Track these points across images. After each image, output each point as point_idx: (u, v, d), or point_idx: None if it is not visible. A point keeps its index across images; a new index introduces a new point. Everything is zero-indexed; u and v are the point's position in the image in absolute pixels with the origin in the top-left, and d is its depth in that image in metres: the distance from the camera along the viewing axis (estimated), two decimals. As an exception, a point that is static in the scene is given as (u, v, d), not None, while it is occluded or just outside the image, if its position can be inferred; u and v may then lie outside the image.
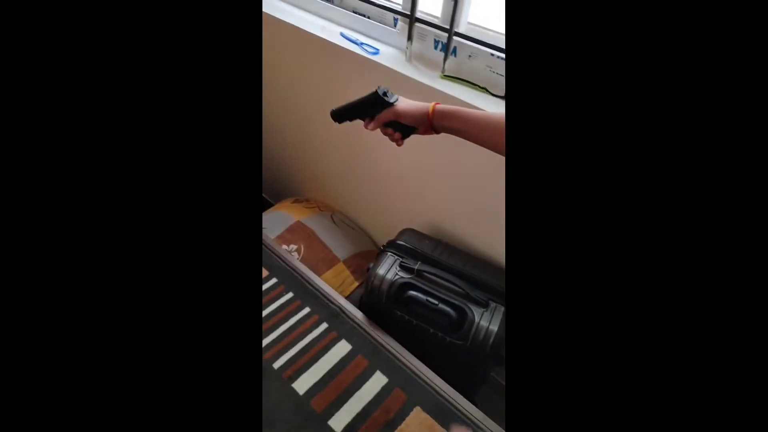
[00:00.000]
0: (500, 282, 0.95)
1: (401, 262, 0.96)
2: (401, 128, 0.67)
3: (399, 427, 0.82)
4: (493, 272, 0.98)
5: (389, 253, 0.99)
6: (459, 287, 0.91)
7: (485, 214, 1.03)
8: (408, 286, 0.93)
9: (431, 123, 0.64)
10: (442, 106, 0.63)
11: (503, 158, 0.41)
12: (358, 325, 0.98)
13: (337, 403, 0.84)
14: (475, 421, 0.84)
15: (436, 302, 0.91)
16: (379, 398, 0.86)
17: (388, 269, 0.95)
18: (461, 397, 0.87)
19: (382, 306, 0.92)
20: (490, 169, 0.95)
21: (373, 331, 0.96)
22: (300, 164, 1.51)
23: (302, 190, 1.58)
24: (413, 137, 0.68)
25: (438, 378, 0.89)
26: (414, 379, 0.89)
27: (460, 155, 0.99)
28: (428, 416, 0.84)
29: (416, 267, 0.93)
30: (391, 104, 0.66)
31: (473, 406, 0.86)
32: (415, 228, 1.11)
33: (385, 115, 0.67)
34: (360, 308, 1.01)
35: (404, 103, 0.67)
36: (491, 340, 0.87)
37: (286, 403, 0.84)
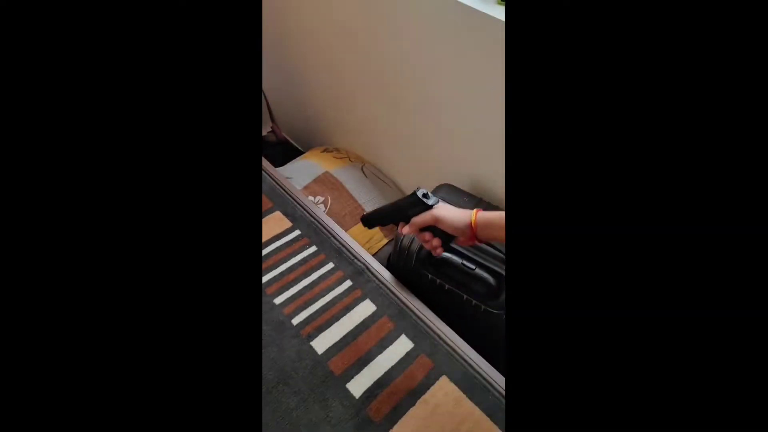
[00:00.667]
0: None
1: (435, 219, 0.86)
2: (441, 234, 0.62)
3: (423, 397, 0.75)
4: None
5: (423, 210, 0.89)
6: (499, 251, 0.81)
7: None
8: (442, 246, 0.83)
9: (474, 234, 0.58)
10: (484, 215, 0.58)
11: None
12: (385, 284, 0.90)
13: (357, 366, 0.78)
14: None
15: (473, 266, 0.81)
16: (402, 364, 0.79)
17: (421, 227, 0.86)
18: (494, 370, 0.79)
19: (411, 267, 0.83)
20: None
21: (401, 292, 0.88)
22: (331, 111, 1.41)
23: (332, 139, 1.49)
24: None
25: (469, 347, 0.81)
26: (442, 346, 0.82)
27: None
28: (456, 387, 0.77)
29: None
30: (430, 207, 0.61)
31: (505, 381, 0.78)
32: (454, 184, 1.00)
33: (422, 218, 0.62)
34: (387, 268, 0.93)
35: (444, 208, 0.62)
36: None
37: (303, 362, 0.78)
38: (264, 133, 1.66)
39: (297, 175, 1.29)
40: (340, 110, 1.36)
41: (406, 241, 0.85)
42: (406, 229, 0.64)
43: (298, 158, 1.38)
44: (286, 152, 1.62)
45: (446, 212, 0.60)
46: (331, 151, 1.39)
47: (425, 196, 0.62)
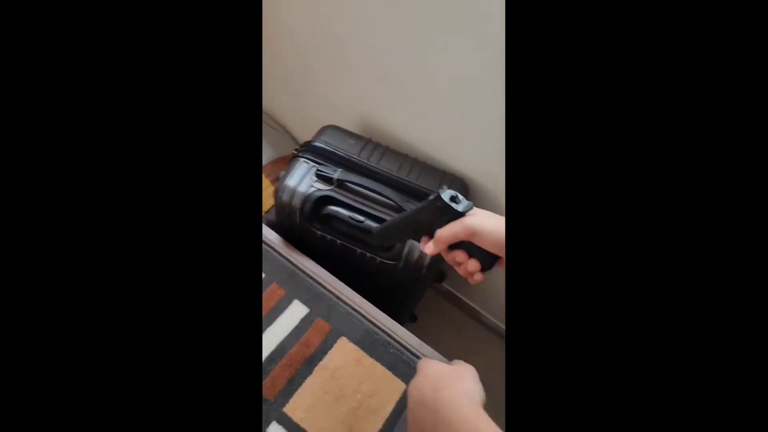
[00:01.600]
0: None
1: (318, 170, 0.77)
2: (478, 253, 0.44)
3: (321, 363, 0.71)
4: (431, 177, 0.81)
5: (302, 160, 0.79)
6: (389, 199, 0.75)
7: (428, 102, 0.82)
8: (326, 200, 0.74)
9: None
10: None
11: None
12: (271, 247, 0.81)
13: (245, 343, 0.71)
14: (410, 348, 0.74)
15: (361, 219, 0.74)
16: (298, 332, 0.73)
17: (301, 180, 0.76)
18: (393, 322, 0.76)
19: (297, 225, 0.74)
20: (440, 41, 0.72)
21: (290, 253, 0.80)
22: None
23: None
24: None
25: (367, 303, 0.77)
26: (338, 305, 0.76)
27: (407, 18, 0.74)
28: (355, 347, 0.73)
29: (336, 176, 0.74)
30: (462, 214, 0.44)
31: (408, 333, 0.75)
32: (340, 125, 0.89)
33: (451, 231, 0.44)
34: (273, 228, 0.83)
35: (482, 216, 0.44)
36: (428, 259, 0.74)
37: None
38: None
39: None
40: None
41: (285, 197, 0.75)
42: (429, 248, 0.47)
43: None
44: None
45: (485, 222, 0.43)
46: None
47: (453, 199, 0.44)
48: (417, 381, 0.46)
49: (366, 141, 0.85)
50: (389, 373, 0.71)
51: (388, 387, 0.70)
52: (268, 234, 0.82)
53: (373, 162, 0.80)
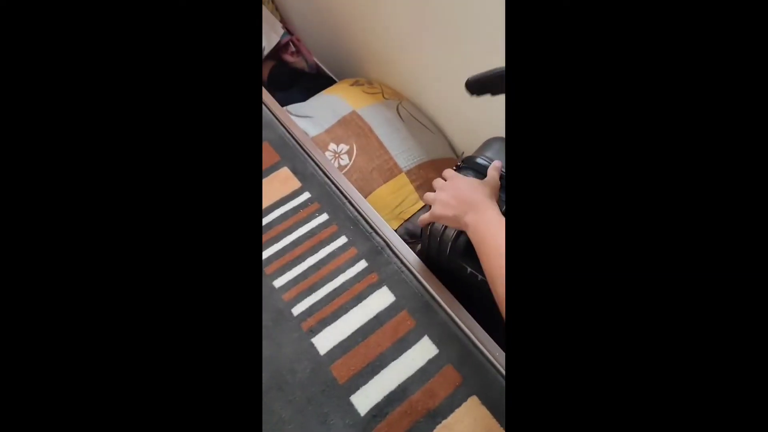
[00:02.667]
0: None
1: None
2: None
3: (444, 422, 0.60)
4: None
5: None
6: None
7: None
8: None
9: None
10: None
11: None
12: (408, 268, 0.72)
13: (365, 374, 0.63)
14: None
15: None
16: (422, 375, 0.63)
17: (456, 203, 0.64)
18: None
19: (446, 256, 0.64)
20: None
21: (428, 280, 0.70)
22: (363, 34, 1.14)
23: (366, 68, 1.24)
24: None
25: (509, 361, 0.63)
26: (475, 356, 0.64)
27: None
28: (488, 413, 0.60)
29: (503, 199, 0.61)
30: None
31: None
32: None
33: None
34: (413, 247, 0.74)
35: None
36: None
37: (302, 363, 0.65)
38: (269, 44, 1.39)
39: (319, 114, 1.08)
40: (374, 34, 1.10)
41: (438, 226, 0.64)
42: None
43: (321, 93, 1.16)
44: (318, 85, 1.38)
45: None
46: (362, 85, 1.15)
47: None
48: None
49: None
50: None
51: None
52: (407, 253, 0.73)
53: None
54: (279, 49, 1.40)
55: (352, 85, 1.15)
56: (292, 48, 1.45)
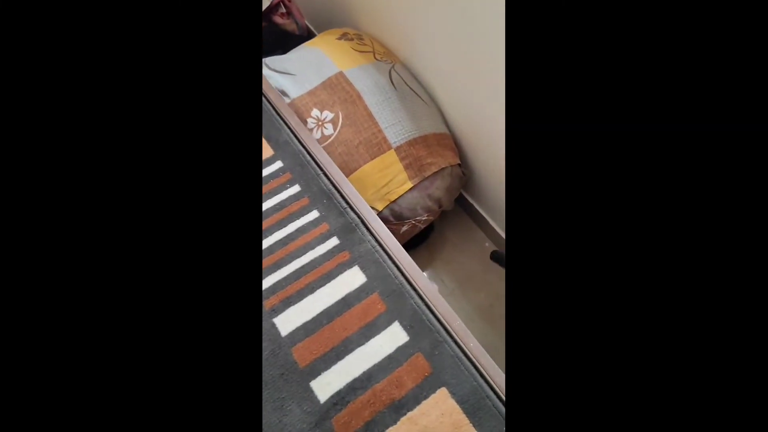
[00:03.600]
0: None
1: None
2: None
3: (409, 414, 0.56)
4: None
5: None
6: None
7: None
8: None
9: None
10: None
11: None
12: (384, 248, 0.66)
13: (327, 359, 0.59)
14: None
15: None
16: (389, 363, 0.59)
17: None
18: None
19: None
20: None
21: (404, 263, 0.65)
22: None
23: (356, 19, 1.14)
24: None
25: (484, 354, 0.59)
26: (447, 345, 0.59)
27: None
28: (457, 406, 0.56)
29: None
30: None
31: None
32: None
33: None
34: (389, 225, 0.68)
35: None
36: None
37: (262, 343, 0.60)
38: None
39: (299, 69, 0.98)
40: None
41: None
42: None
43: (303, 44, 1.07)
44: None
45: None
46: (351, 39, 1.05)
47: None
48: None
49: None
50: (493, 459, 0.53)
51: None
52: (381, 230, 0.67)
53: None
54: (270, 10, 1.32)
55: (339, 38, 1.05)
56: (283, 9, 1.36)
